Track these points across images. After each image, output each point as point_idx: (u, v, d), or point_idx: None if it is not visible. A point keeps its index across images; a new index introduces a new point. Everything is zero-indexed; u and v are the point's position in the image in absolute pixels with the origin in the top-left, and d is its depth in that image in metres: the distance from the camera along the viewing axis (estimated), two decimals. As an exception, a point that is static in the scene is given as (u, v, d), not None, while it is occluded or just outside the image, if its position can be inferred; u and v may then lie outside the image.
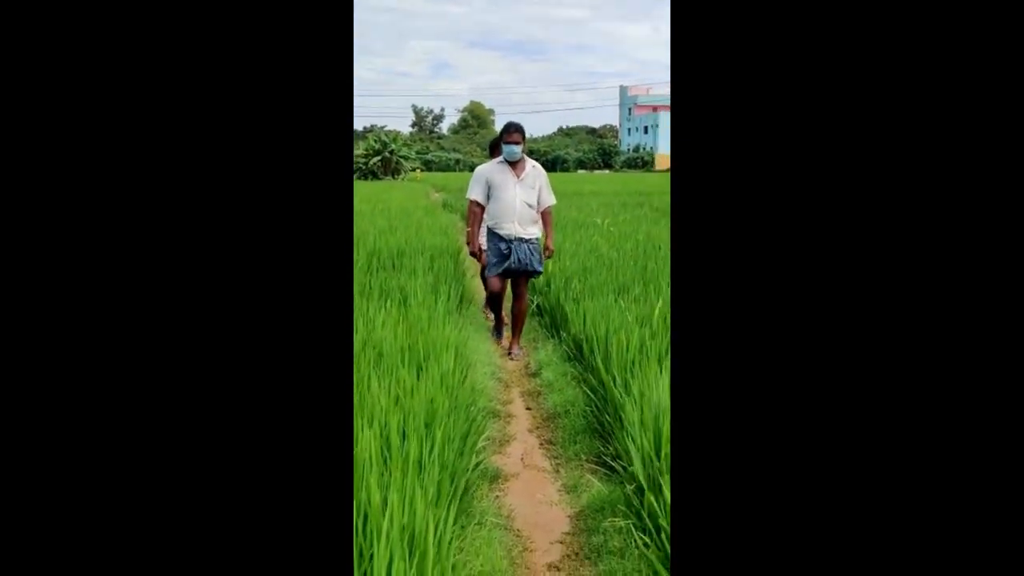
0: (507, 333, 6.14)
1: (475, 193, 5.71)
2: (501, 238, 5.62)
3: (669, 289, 5.72)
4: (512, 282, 5.82)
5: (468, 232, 5.86)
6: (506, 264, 5.60)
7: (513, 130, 5.59)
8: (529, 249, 5.64)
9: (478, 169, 5.82)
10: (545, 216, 5.79)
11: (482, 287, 6.46)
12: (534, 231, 5.70)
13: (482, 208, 5.71)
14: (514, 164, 5.63)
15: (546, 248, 5.84)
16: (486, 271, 5.84)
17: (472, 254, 5.99)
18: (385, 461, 2.67)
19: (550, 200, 5.80)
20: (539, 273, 5.81)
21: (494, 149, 6.40)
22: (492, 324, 6.36)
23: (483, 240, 5.91)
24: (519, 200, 5.56)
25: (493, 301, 5.93)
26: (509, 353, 5.79)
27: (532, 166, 5.70)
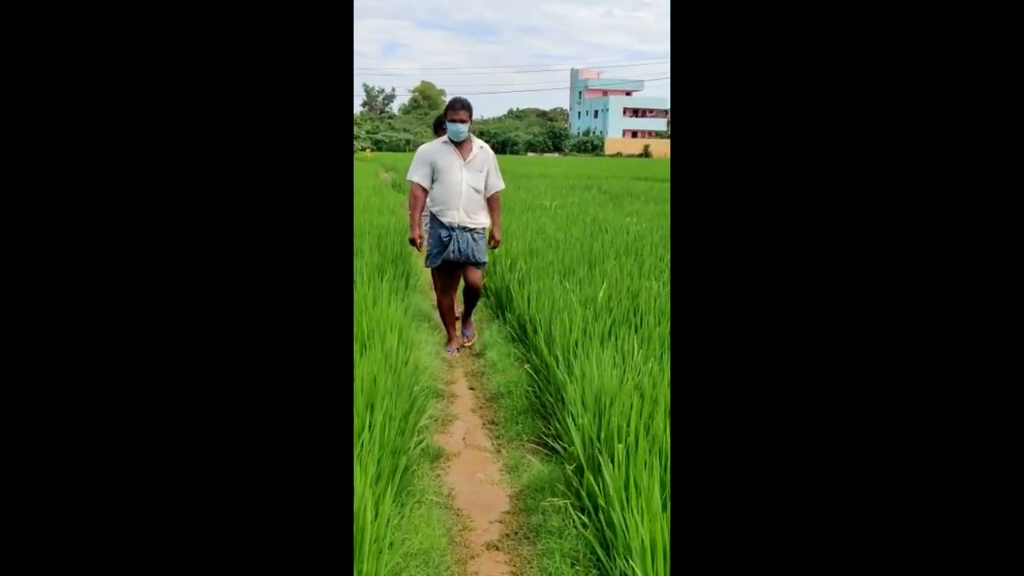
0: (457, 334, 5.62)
1: (418, 175, 5.15)
2: (443, 225, 5.11)
3: (612, 271, 5.81)
4: (464, 274, 5.34)
5: (410, 217, 5.29)
6: (445, 253, 5.12)
7: (459, 107, 5.00)
8: (472, 238, 5.14)
9: (421, 149, 5.26)
10: (492, 202, 5.27)
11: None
12: (482, 219, 5.19)
13: (425, 192, 5.16)
14: (460, 144, 5.08)
15: (492, 237, 5.35)
16: (426, 262, 5.34)
17: (412, 242, 5.34)
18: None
19: (498, 185, 5.29)
20: (482, 264, 5.30)
21: (439, 127, 5.81)
22: (444, 336, 5.62)
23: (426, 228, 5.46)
24: (465, 184, 5.05)
25: (443, 303, 5.38)
26: (456, 344, 5.43)
27: (480, 147, 5.17)
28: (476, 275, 5.34)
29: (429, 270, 5.44)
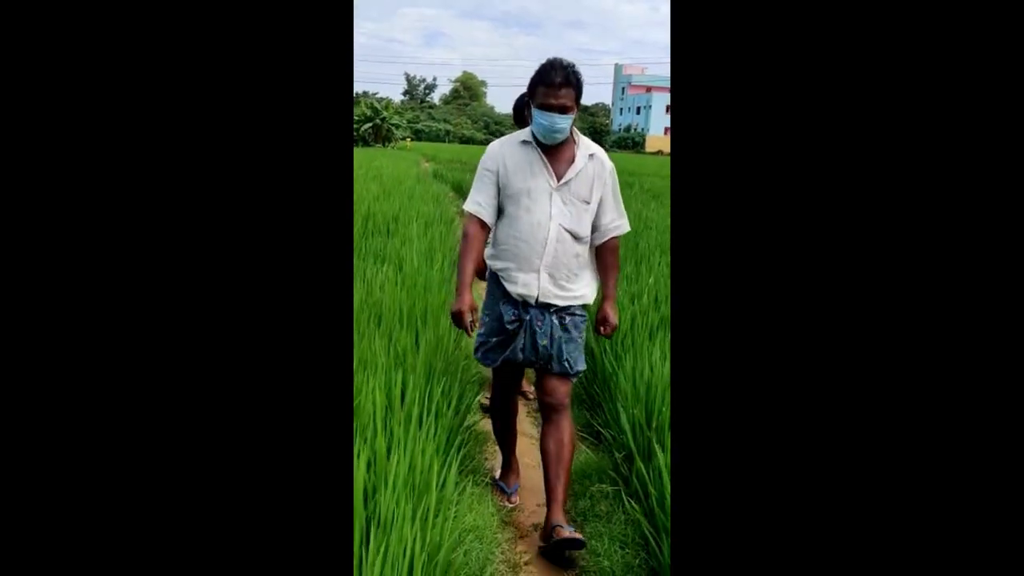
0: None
1: (475, 200, 2.81)
2: (508, 298, 2.82)
3: (659, 267, 5.85)
4: (538, 383, 2.97)
5: (458, 271, 2.81)
6: (508, 351, 2.84)
7: (559, 81, 2.65)
8: (562, 323, 2.81)
9: (491, 148, 2.87)
10: (606, 255, 2.93)
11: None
12: (580, 289, 2.84)
13: (485, 230, 2.83)
14: (552, 150, 2.76)
15: (603, 320, 2.95)
16: (475, 355, 3.02)
17: (456, 317, 2.76)
18: (386, 416, 2.76)
19: (620, 224, 2.90)
20: (577, 373, 2.90)
21: (520, 113, 3.67)
22: (498, 465, 3.36)
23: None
24: (555, 225, 2.73)
25: (497, 415, 3.15)
26: (547, 538, 2.73)
27: (589, 156, 2.80)
28: (561, 392, 2.88)
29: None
